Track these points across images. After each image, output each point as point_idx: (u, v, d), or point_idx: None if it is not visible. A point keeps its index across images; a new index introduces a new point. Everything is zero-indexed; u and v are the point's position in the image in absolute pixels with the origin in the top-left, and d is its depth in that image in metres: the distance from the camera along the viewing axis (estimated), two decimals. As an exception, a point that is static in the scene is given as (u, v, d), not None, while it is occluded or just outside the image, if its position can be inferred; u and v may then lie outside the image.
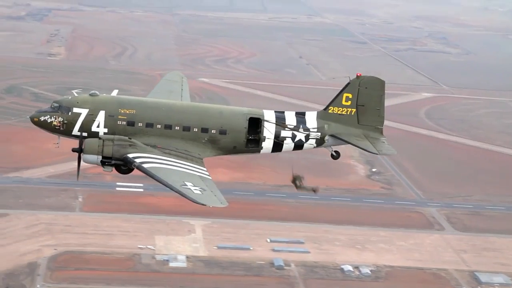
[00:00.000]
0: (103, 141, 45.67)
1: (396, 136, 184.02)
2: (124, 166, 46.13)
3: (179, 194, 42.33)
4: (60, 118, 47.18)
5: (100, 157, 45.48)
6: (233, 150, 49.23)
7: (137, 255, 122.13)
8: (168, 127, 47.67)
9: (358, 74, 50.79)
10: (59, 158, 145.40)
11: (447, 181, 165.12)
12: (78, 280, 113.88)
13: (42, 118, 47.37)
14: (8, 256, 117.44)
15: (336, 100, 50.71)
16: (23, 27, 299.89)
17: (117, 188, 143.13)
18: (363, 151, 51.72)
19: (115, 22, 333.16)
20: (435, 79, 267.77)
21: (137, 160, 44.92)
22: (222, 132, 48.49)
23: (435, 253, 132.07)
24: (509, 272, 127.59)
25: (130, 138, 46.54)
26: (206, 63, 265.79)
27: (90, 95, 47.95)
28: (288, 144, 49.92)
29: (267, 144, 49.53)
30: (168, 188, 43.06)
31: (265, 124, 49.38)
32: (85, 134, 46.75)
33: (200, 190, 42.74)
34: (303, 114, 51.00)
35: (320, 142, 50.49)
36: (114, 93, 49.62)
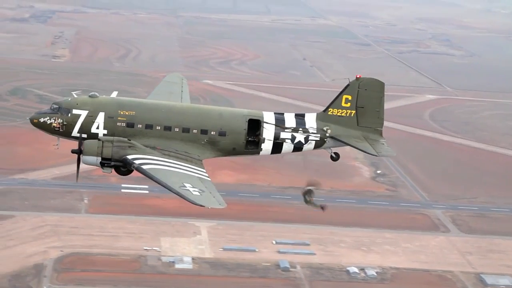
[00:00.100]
0: (103, 142, 45.80)
1: (400, 138, 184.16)
2: (124, 168, 46.28)
3: (178, 195, 42.49)
4: (59, 119, 47.36)
5: (99, 159, 45.62)
6: (233, 151, 49.36)
7: (143, 257, 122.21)
8: (168, 128, 47.76)
9: (358, 76, 50.85)
10: (64, 159, 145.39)
11: (452, 183, 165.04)
12: (85, 282, 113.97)
13: (41, 120, 47.54)
14: (14, 257, 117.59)
15: (335, 102, 50.78)
16: (27, 29, 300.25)
17: (123, 190, 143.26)
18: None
19: (119, 24, 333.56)
20: (439, 81, 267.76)
21: (136, 162, 45.04)
22: (222, 134, 48.57)
23: (440, 255, 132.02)
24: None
25: (130, 140, 46.64)
26: (210, 65, 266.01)
27: (89, 96, 48.11)
28: (287, 146, 50.01)
29: (267, 146, 49.62)
30: (167, 190, 43.29)
31: (265, 125, 49.49)
32: (84, 135, 46.90)
33: (198, 192, 42.90)
34: (303, 115, 51.00)
35: (319, 143, 50.51)
36: (114, 94, 49.73)
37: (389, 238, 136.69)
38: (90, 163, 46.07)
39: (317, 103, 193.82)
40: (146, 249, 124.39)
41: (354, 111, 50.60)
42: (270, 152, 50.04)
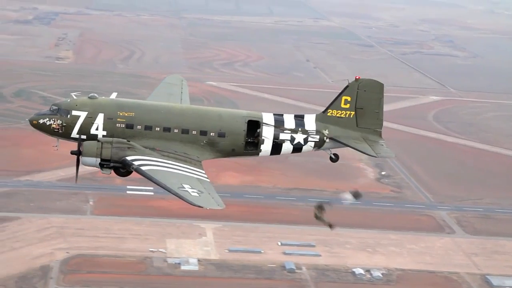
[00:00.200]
0: (102, 143, 46.01)
1: (404, 139, 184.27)
2: (123, 169, 46.50)
3: (177, 196, 42.75)
4: (59, 120, 47.66)
5: (98, 160, 45.88)
6: (232, 152, 49.52)
7: (149, 258, 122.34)
8: (167, 129, 47.94)
9: (357, 77, 50.97)
10: (69, 161, 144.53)
11: (456, 184, 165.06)
12: (91, 283, 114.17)
13: (41, 121, 47.83)
14: (21, 259, 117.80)
15: (335, 103, 51.01)
16: (31, 31, 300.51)
17: (128, 192, 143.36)
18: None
19: (122, 25, 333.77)
20: (443, 82, 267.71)
21: (136, 163, 45.24)
22: (221, 135, 48.77)
23: (446, 256, 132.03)
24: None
25: (129, 141, 46.83)
26: (214, 66, 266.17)
27: (89, 97, 48.33)
28: (287, 147, 50.11)
29: (266, 147, 49.80)
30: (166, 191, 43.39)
31: (264, 126, 49.53)
32: (83, 136, 47.13)
33: (197, 192, 43.09)
34: (302, 117, 51.16)
35: (319, 144, 50.66)
36: (113, 95, 49.85)
37: (394, 239, 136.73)
38: (89, 164, 46.31)
39: (321, 104, 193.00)
40: (152, 251, 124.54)
41: (353, 112, 50.79)
42: (269, 153, 50.23)
